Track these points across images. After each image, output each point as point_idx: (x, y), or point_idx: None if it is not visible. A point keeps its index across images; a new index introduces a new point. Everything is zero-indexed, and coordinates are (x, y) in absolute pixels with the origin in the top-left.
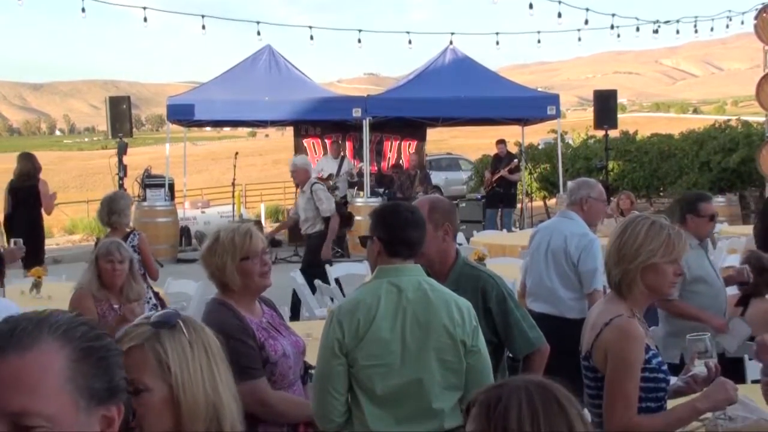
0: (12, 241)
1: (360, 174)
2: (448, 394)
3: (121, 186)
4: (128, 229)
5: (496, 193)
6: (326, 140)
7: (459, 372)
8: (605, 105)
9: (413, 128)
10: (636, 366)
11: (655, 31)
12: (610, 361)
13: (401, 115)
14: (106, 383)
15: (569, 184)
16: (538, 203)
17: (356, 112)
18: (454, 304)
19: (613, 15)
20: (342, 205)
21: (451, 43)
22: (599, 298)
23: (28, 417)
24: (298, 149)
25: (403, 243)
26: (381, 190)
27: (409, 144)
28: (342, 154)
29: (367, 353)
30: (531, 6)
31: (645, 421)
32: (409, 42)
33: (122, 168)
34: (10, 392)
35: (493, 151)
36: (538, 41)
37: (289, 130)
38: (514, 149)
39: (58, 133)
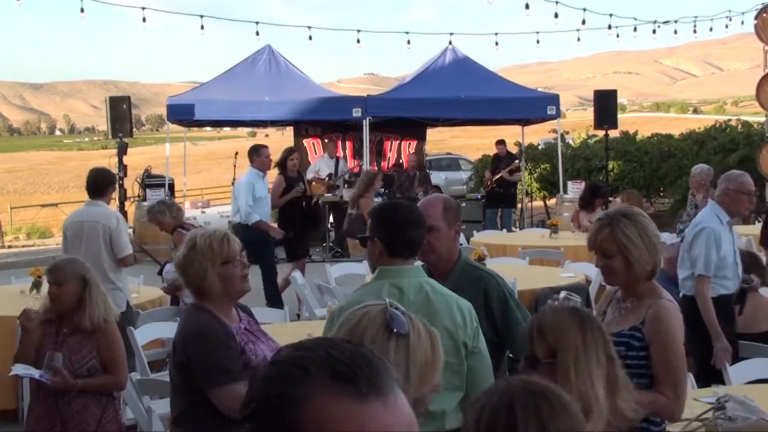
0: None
1: (357, 174)
2: (449, 396)
3: (121, 186)
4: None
5: (496, 193)
6: (326, 140)
7: (460, 373)
8: (605, 105)
9: (413, 128)
10: None
11: (654, 32)
12: None
13: (401, 115)
14: None
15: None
16: (538, 203)
17: (356, 112)
18: (455, 305)
19: (611, 15)
20: (342, 205)
21: (450, 43)
22: (700, 284)
23: None
24: (298, 149)
25: (404, 243)
26: (381, 190)
27: (409, 144)
28: (337, 154)
29: None
30: (527, 6)
31: None
32: (408, 42)
33: (122, 168)
34: None
35: (493, 151)
36: (538, 41)
37: (289, 130)
38: (514, 149)
39: (58, 133)
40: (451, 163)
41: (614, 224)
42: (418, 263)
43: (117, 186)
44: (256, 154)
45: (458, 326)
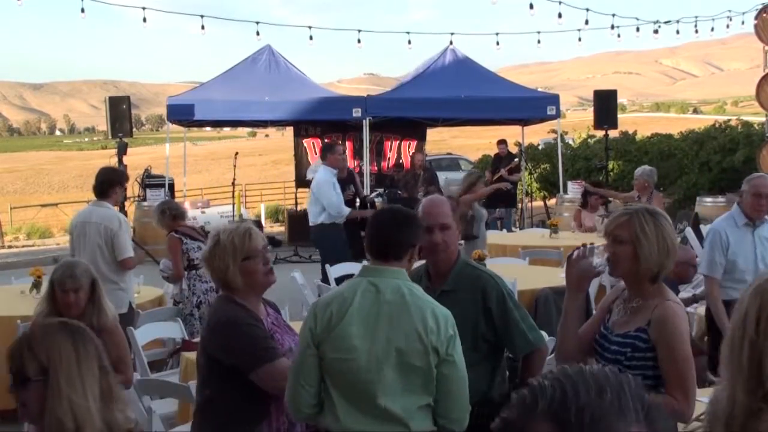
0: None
1: (359, 174)
2: (410, 398)
3: None
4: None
5: (496, 192)
6: (326, 140)
7: (426, 377)
8: (605, 105)
9: (413, 128)
10: None
11: (655, 31)
12: None
13: (401, 115)
14: None
15: None
16: (538, 203)
17: (356, 112)
18: (430, 310)
19: (614, 15)
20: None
21: (451, 43)
22: (707, 284)
23: None
24: (298, 149)
25: (371, 242)
26: (381, 190)
27: (409, 144)
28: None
29: (335, 346)
30: (531, 6)
31: None
32: (409, 42)
33: (122, 168)
34: None
35: (493, 151)
36: (538, 41)
37: (289, 130)
38: (514, 149)
39: (58, 133)
40: (451, 163)
41: (634, 215)
42: (402, 269)
43: (122, 186)
44: (330, 152)
45: (430, 331)
